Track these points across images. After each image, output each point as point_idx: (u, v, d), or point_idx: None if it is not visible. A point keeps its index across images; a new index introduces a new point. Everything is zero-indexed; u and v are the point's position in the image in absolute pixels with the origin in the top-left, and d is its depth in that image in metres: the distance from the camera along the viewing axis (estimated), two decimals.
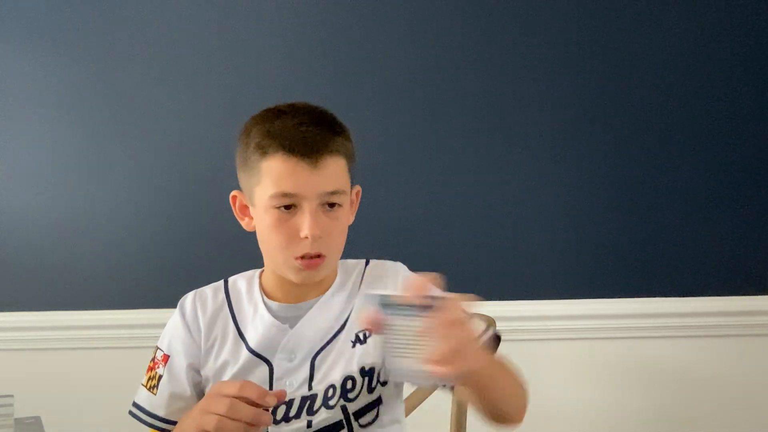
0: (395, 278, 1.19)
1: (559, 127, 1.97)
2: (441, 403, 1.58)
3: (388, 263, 1.23)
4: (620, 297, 1.93)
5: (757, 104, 1.94)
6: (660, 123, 1.96)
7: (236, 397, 0.96)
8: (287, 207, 1.07)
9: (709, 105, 1.95)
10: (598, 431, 1.93)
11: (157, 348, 1.19)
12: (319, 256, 1.09)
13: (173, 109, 2.03)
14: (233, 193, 1.18)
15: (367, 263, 1.24)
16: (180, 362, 1.16)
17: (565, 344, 1.94)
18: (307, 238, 1.06)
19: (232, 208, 1.18)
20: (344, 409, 1.12)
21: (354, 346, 1.15)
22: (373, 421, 1.15)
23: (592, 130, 1.96)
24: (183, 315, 1.19)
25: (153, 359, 1.19)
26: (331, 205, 1.10)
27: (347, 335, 1.15)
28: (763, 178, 1.94)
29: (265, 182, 1.08)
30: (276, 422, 1.12)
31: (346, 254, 1.23)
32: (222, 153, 2.01)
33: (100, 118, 2.05)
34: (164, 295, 1.83)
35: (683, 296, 1.92)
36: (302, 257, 1.08)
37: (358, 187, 1.22)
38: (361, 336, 1.15)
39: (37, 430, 1.11)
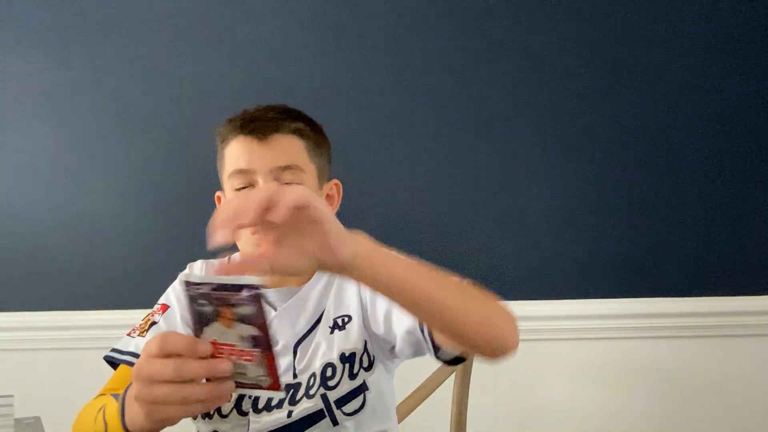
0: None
1: (561, 128, 1.97)
2: (441, 403, 1.58)
3: None
4: (620, 297, 1.93)
5: (756, 104, 1.94)
6: (660, 124, 1.95)
7: (166, 355, 0.75)
8: (245, 188, 1.12)
9: (709, 104, 1.95)
10: (598, 430, 1.93)
11: (155, 306, 1.20)
12: None
13: (171, 109, 2.04)
14: (217, 193, 1.22)
15: None
16: (178, 312, 1.17)
17: (565, 344, 1.94)
18: None
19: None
20: (324, 397, 1.10)
21: (332, 332, 1.14)
22: (360, 408, 1.12)
23: (593, 131, 1.96)
24: (191, 272, 1.22)
25: (147, 315, 1.19)
26: (288, 184, 1.11)
27: (326, 322, 1.15)
28: (762, 178, 1.94)
29: (226, 166, 1.15)
30: (257, 411, 1.10)
31: None
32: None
33: (99, 118, 2.05)
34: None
35: (683, 296, 1.92)
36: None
37: (335, 181, 1.23)
38: (339, 322, 1.14)
39: (37, 430, 1.11)
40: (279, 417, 1.10)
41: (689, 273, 1.93)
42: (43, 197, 2.05)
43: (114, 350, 1.16)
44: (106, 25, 2.05)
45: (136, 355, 1.12)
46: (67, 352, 2.01)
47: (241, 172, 1.12)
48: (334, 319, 1.15)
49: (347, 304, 1.16)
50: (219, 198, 1.23)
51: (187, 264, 1.27)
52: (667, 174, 1.95)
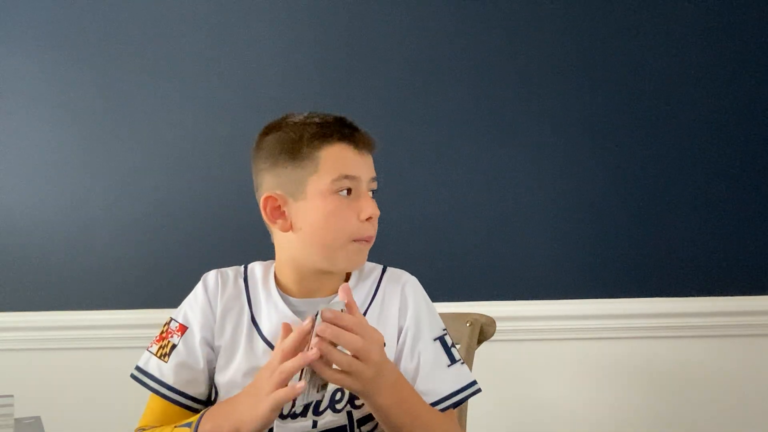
0: (402, 300, 1.20)
1: (559, 128, 1.97)
2: None
3: (405, 276, 1.22)
4: (620, 297, 1.93)
5: (756, 105, 1.94)
6: (659, 124, 1.96)
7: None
8: (348, 192, 1.15)
9: (709, 104, 1.95)
10: (598, 430, 1.93)
11: (171, 319, 1.19)
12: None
13: (172, 110, 2.04)
14: (267, 194, 1.15)
15: (384, 270, 1.23)
16: (196, 334, 1.17)
17: (565, 344, 1.94)
18: (369, 219, 1.14)
19: (262, 214, 1.16)
20: (350, 414, 1.13)
21: None
22: (373, 429, 1.16)
23: (592, 130, 1.96)
24: (206, 288, 1.20)
25: (165, 330, 1.19)
26: (373, 192, 1.19)
27: None
28: (762, 178, 1.94)
29: (325, 168, 1.14)
30: (282, 417, 1.12)
31: None
32: (221, 153, 2.02)
33: (100, 118, 2.05)
34: (164, 295, 1.83)
35: (683, 296, 1.92)
36: (363, 239, 1.15)
37: None
38: None
39: (37, 430, 1.11)
40: (304, 425, 1.12)
41: (689, 273, 1.93)
42: (44, 197, 2.04)
43: (138, 369, 1.18)
44: (106, 25, 2.05)
45: (162, 383, 1.15)
46: (67, 352, 2.01)
47: (348, 177, 1.15)
48: None
49: (385, 330, 1.14)
50: (267, 200, 1.16)
51: (193, 267, 1.26)
52: (667, 174, 1.95)
